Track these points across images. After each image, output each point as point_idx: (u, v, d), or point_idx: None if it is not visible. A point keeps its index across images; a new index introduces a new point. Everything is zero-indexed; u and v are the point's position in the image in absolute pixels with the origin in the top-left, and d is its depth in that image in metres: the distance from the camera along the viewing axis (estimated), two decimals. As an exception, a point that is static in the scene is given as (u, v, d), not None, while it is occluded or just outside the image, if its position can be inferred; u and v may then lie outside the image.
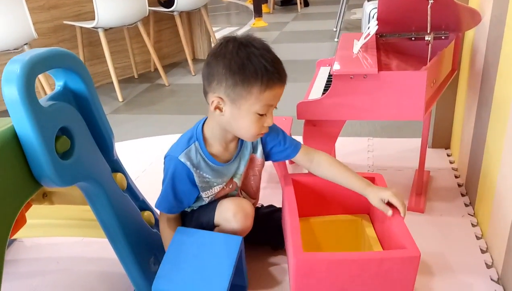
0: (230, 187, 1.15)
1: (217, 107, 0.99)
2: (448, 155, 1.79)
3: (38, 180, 0.86)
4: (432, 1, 1.16)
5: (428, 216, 1.42)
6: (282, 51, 3.89)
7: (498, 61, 1.21)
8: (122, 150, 2.09)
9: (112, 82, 2.86)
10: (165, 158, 1.10)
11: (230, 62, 0.94)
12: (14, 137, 0.82)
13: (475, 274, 1.17)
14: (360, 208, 1.20)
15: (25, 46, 2.39)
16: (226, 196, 1.16)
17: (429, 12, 1.18)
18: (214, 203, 1.12)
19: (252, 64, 0.94)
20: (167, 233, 1.12)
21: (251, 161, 1.16)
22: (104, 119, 1.04)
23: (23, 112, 0.78)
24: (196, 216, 1.15)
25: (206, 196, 1.12)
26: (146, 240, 1.14)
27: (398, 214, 1.03)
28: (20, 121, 0.80)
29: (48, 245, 1.42)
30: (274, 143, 1.15)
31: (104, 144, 1.05)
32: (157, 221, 1.27)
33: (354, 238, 1.21)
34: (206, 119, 1.09)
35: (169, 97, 2.89)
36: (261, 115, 0.99)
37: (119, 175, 1.11)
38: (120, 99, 2.84)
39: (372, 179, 1.16)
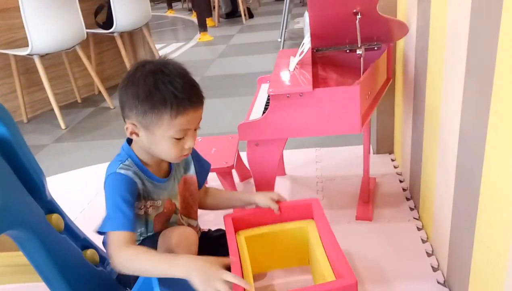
0: (171, 209, 1.10)
1: (132, 133, 0.99)
2: (392, 160, 1.84)
3: (-41, 234, 0.80)
4: (359, 16, 1.20)
5: (376, 223, 1.45)
6: (229, 65, 3.90)
7: (426, 70, 1.25)
8: (66, 181, 2.01)
9: (53, 109, 2.75)
10: (104, 184, 1.01)
11: (138, 91, 0.94)
12: None
13: (422, 278, 1.20)
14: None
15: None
16: (167, 223, 1.12)
17: (358, 27, 1.21)
18: (157, 234, 1.08)
19: (159, 92, 0.92)
20: (145, 254, 0.91)
21: (185, 182, 1.14)
22: (31, 160, 0.98)
23: None
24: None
25: (141, 207, 1.02)
26: (90, 280, 1.09)
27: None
28: None
29: (-13, 294, 1.33)
30: (198, 162, 1.18)
31: (35, 186, 1.00)
32: (102, 258, 1.22)
33: (301, 245, 1.20)
34: (129, 139, 1.05)
35: (115, 121, 2.81)
36: (179, 139, 0.97)
37: (54, 216, 1.05)
38: (63, 126, 2.73)
39: (309, 205, 1.18)
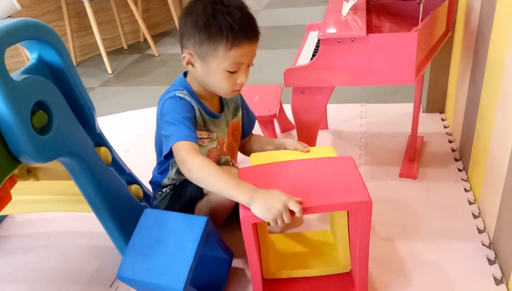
0: (221, 147, 1.12)
1: (189, 63, 1.01)
2: (442, 119, 1.77)
3: (16, 156, 0.84)
4: (423, -42, 1.11)
5: (420, 182, 1.41)
6: (275, 17, 3.80)
7: (493, 20, 1.16)
8: (112, 123, 2.06)
9: (100, 54, 2.80)
10: (160, 108, 1.01)
11: (196, 20, 0.95)
12: (-13, 114, 0.79)
13: (466, 240, 1.16)
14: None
15: (8, 19, 2.31)
16: (218, 163, 1.13)
17: (420, -30, 1.13)
18: None
19: (217, 22, 0.94)
20: (213, 167, 0.90)
21: (233, 126, 1.17)
22: (83, 92, 1.00)
23: (-7, 87, 0.75)
24: (185, 189, 1.13)
25: (200, 136, 1.03)
26: (133, 213, 1.12)
27: None
28: (-9, 97, 0.77)
29: (40, 220, 1.41)
30: (247, 112, 1.21)
31: (85, 118, 1.02)
32: (146, 194, 1.26)
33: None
34: (185, 72, 1.09)
35: (159, 68, 2.83)
36: (232, 72, 0.99)
37: (103, 149, 1.08)
38: (110, 71, 2.79)
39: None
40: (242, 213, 0.87)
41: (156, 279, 0.89)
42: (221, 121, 1.11)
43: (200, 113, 1.05)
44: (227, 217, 1.15)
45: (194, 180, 0.93)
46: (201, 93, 1.07)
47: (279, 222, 0.83)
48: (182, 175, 1.05)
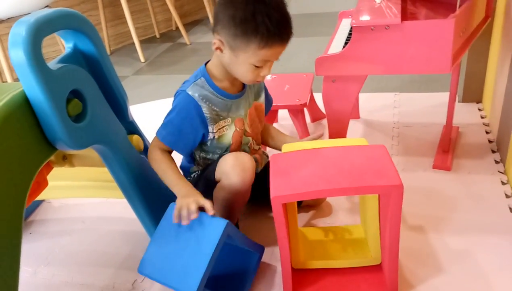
0: (241, 128, 1.13)
1: (218, 48, 1.02)
2: (479, 109, 1.71)
3: (52, 143, 0.86)
4: None
5: (455, 173, 1.37)
6: (307, 4, 3.75)
7: (536, 6, 1.11)
8: (145, 110, 2.10)
9: (133, 43, 2.84)
10: (174, 95, 1.10)
11: (235, 14, 0.95)
12: (25, 102, 0.82)
13: (502, 234, 1.12)
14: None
15: (45, 9, 2.38)
16: (241, 145, 1.15)
17: (459, -46, 1.09)
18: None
19: (255, 21, 0.94)
20: (164, 164, 1.04)
21: (256, 108, 1.18)
22: (116, 80, 1.02)
23: (30, 75, 0.78)
24: (204, 175, 1.15)
25: (213, 131, 1.08)
26: (163, 201, 1.13)
27: None
28: (29, 85, 0.79)
29: (75, 206, 1.46)
30: (266, 95, 1.23)
31: (118, 106, 1.04)
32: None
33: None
34: (208, 60, 1.12)
35: (191, 56, 2.85)
36: (258, 67, 1.01)
37: (135, 137, 1.10)
38: (142, 60, 2.83)
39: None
40: (272, 192, 0.88)
41: (170, 282, 0.90)
42: (241, 102, 1.12)
43: (210, 106, 1.06)
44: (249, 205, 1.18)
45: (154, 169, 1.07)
46: (222, 76, 1.09)
47: (183, 212, 0.94)
48: (207, 159, 1.13)
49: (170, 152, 1.08)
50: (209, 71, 1.09)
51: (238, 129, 1.12)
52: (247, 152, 1.17)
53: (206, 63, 1.12)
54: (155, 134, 1.07)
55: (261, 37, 0.95)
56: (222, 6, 0.98)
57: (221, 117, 1.09)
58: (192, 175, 1.19)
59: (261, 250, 1.11)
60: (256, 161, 1.18)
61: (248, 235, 1.22)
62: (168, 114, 1.07)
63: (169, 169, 1.04)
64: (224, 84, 1.09)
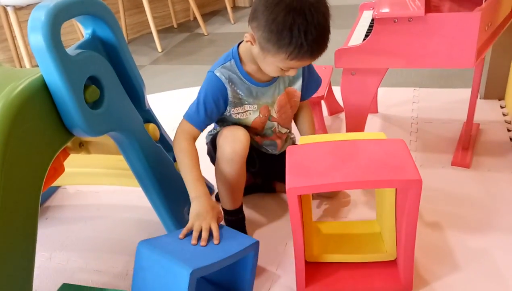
0: (266, 115, 1.14)
1: (248, 41, 1.02)
2: (501, 107, 1.67)
3: (69, 130, 0.87)
4: None
5: (474, 171, 1.34)
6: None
7: None
8: (161, 100, 2.10)
9: (151, 33, 2.84)
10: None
11: (273, 21, 0.93)
12: (43, 87, 0.82)
13: (522, 233, 1.10)
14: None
15: (65, -4, 2.39)
16: (262, 129, 1.16)
17: None
18: None
19: (290, 35, 0.92)
20: (185, 158, 1.03)
21: (289, 94, 1.16)
22: (134, 68, 1.02)
23: (49, 60, 0.77)
24: (211, 145, 1.19)
25: (237, 112, 1.10)
26: (179, 190, 1.13)
27: None
28: (48, 70, 0.79)
29: (90, 193, 1.47)
30: (310, 76, 1.19)
31: (135, 94, 1.04)
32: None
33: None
34: (241, 41, 1.10)
35: (208, 47, 2.84)
36: (284, 69, 1.02)
37: (151, 126, 1.10)
38: (159, 49, 2.83)
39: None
40: (288, 184, 0.87)
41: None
42: (269, 90, 1.11)
43: (236, 90, 1.07)
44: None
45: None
46: (252, 62, 1.08)
47: (195, 226, 0.93)
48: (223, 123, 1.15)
49: (195, 139, 1.08)
50: (241, 54, 1.09)
51: (261, 116, 1.13)
52: (269, 135, 1.19)
53: (239, 44, 1.11)
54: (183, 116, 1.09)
55: (292, 50, 0.94)
56: (262, 6, 0.95)
57: (246, 102, 1.09)
58: (211, 132, 1.23)
59: (254, 248, 0.95)
60: (275, 144, 1.21)
61: (260, 227, 1.22)
62: (198, 93, 1.08)
63: (188, 166, 1.03)
64: (253, 70, 1.09)
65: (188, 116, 1.08)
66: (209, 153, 1.24)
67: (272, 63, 1.00)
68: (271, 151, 1.23)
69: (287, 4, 0.92)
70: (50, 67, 0.78)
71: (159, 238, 0.96)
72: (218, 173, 1.11)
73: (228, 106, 1.09)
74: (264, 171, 1.24)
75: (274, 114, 1.15)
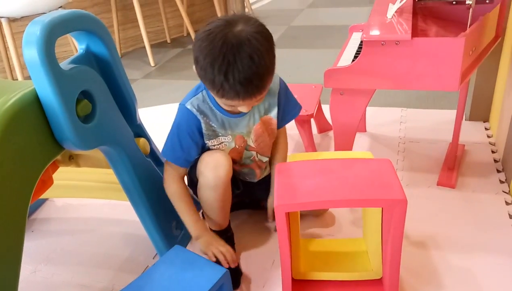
0: (242, 145, 1.11)
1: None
2: (486, 129, 1.70)
3: (60, 143, 0.87)
4: (475, -39, 1.07)
5: (459, 191, 1.36)
6: (317, 16, 3.77)
7: (547, 28, 1.11)
8: (153, 114, 2.11)
9: (144, 47, 2.87)
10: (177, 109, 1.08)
11: (200, 57, 0.89)
12: (36, 100, 0.82)
13: (505, 254, 1.12)
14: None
15: (59, 10, 2.40)
16: (240, 159, 1.14)
17: (471, -27, 1.09)
18: None
19: (212, 72, 0.87)
20: (177, 199, 1.09)
21: (265, 122, 1.12)
22: (126, 83, 1.03)
23: (43, 74, 0.79)
24: (189, 175, 1.17)
25: (212, 145, 1.07)
26: (168, 205, 1.14)
27: None
28: (40, 84, 0.80)
29: (78, 206, 1.46)
30: (287, 104, 1.15)
31: (127, 109, 1.05)
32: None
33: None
34: None
35: (200, 63, 2.86)
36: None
37: (142, 140, 1.11)
38: (152, 64, 2.85)
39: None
40: (276, 201, 0.88)
41: None
42: (242, 120, 1.07)
43: (209, 122, 1.04)
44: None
45: None
46: None
47: (215, 253, 1.06)
48: None
49: (182, 177, 1.11)
50: None
51: (237, 146, 1.10)
52: (248, 164, 1.16)
53: None
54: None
55: (218, 89, 0.89)
56: (197, 42, 0.91)
57: (220, 134, 1.06)
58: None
59: (224, 279, 0.94)
60: (253, 173, 1.19)
61: (248, 244, 1.22)
62: (171, 129, 1.06)
63: (184, 208, 1.09)
64: None
65: (166, 156, 1.07)
66: (188, 174, 1.19)
67: (217, 99, 0.97)
68: (249, 179, 1.21)
69: (212, 41, 0.87)
70: (43, 81, 0.79)
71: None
72: (203, 200, 1.09)
73: (205, 140, 1.06)
74: (249, 192, 1.23)
75: (251, 143, 1.11)
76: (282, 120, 1.16)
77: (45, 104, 0.82)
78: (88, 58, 0.96)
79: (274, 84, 1.08)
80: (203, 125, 1.04)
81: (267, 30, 0.92)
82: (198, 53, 0.90)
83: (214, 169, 1.04)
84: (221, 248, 1.06)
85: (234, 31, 0.87)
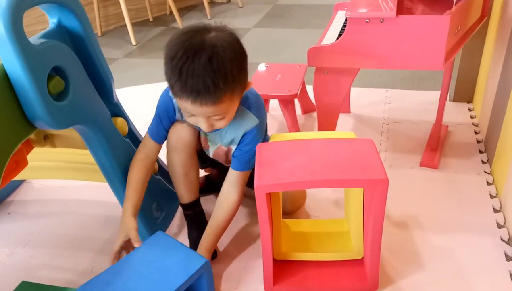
0: (204, 144, 1.13)
1: None
2: (469, 109, 1.70)
3: (32, 122, 0.84)
4: None
5: (441, 172, 1.36)
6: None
7: (532, 7, 1.10)
8: (134, 94, 2.06)
9: (125, 25, 2.79)
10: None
11: (167, 51, 0.87)
12: (4, 77, 0.79)
13: (485, 233, 1.12)
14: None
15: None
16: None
17: (458, -51, 1.07)
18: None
19: (170, 67, 0.86)
20: (131, 173, 1.05)
21: (227, 150, 1.09)
22: (102, 60, 0.99)
23: (10, 49, 0.75)
24: None
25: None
26: (149, 185, 1.12)
27: None
28: (8, 59, 0.76)
29: (57, 188, 1.43)
30: (241, 146, 1.04)
31: (103, 87, 1.01)
32: (161, 167, 1.26)
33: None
34: None
35: (184, 42, 2.80)
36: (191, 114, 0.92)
37: (119, 119, 1.08)
38: (134, 43, 2.78)
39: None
40: (256, 182, 0.86)
41: None
42: (207, 137, 1.09)
43: (182, 116, 1.03)
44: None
45: None
46: None
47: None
48: None
49: (149, 156, 1.07)
50: None
51: (202, 139, 1.11)
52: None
53: None
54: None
55: (172, 86, 0.88)
56: (170, 39, 0.90)
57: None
58: None
59: (205, 269, 0.92)
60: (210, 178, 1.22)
61: (230, 227, 1.20)
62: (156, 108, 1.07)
63: (130, 181, 1.04)
64: None
65: (149, 129, 1.07)
66: None
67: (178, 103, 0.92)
68: (218, 161, 1.17)
69: (181, 39, 0.86)
70: (10, 56, 0.75)
71: (97, 278, 0.89)
72: (169, 166, 1.10)
73: (178, 113, 1.04)
74: (221, 173, 1.19)
75: (211, 152, 1.12)
76: (234, 160, 1.05)
77: (14, 81, 0.79)
78: (61, 33, 0.92)
79: (248, 122, 1.01)
80: (177, 114, 1.04)
81: (240, 46, 0.90)
82: (166, 49, 0.89)
83: (177, 131, 1.05)
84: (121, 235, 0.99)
85: (205, 35, 0.87)
